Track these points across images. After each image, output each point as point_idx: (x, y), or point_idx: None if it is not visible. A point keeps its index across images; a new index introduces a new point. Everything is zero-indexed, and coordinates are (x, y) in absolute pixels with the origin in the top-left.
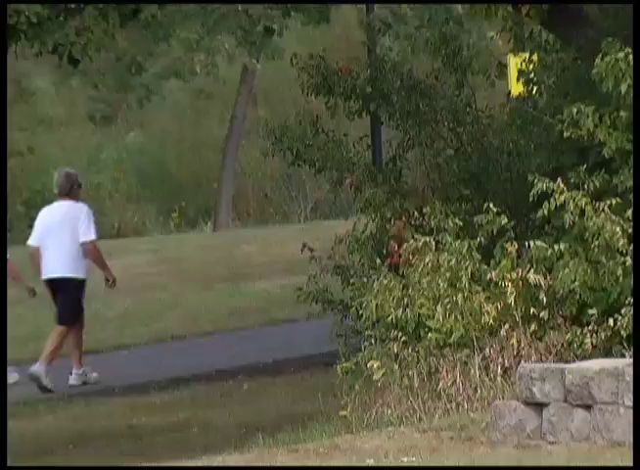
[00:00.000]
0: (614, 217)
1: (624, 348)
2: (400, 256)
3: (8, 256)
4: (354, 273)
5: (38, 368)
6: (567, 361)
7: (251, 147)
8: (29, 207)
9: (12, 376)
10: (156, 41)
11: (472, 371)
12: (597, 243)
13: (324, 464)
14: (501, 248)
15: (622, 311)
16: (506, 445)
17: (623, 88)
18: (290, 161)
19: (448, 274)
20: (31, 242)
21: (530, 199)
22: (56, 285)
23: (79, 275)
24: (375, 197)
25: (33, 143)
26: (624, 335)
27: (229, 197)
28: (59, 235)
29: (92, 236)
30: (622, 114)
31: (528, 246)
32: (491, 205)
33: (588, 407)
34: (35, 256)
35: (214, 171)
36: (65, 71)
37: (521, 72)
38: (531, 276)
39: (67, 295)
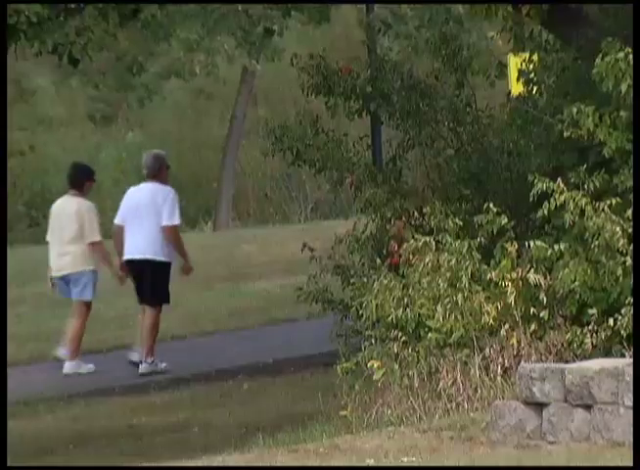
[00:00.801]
0: (614, 217)
1: (624, 348)
2: (400, 256)
3: (98, 238)
4: (354, 273)
5: (139, 359)
6: (567, 361)
7: (251, 147)
8: (29, 207)
9: (87, 367)
10: (156, 41)
11: (472, 371)
12: (597, 243)
13: (324, 464)
14: (501, 248)
15: (622, 311)
16: (506, 445)
17: (623, 88)
18: (290, 161)
19: (448, 274)
20: (116, 221)
21: (530, 199)
22: (137, 266)
23: (162, 258)
24: (375, 197)
25: (33, 143)
26: (624, 335)
27: (229, 197)
28: (142, 217)
29: (174, 221)
30: (622, 114)
31: (528, 246)
32: (491, 205)
33: (588, 407)
34: (118, 235)
35: (214, 171)
36: (65, 71)
37: (521, 72)
38: (531, 276)
39: (153, 277)
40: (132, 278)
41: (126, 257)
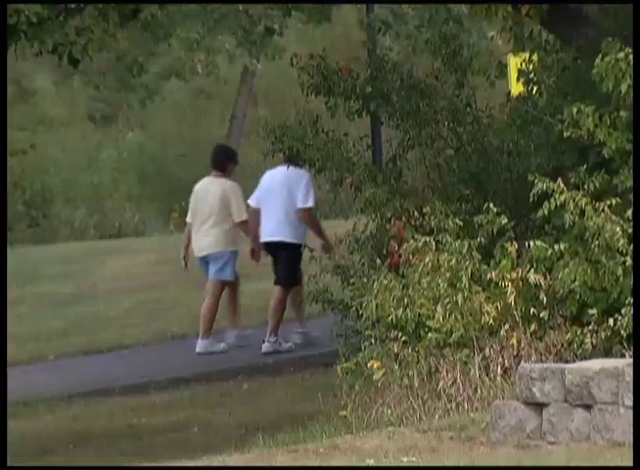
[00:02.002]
0: (614, 217)
1: (624, 348)
2: (400, 256)
3: (245, 217)
4: (354, 273)
5: (267, 342)
6: (567, 361)
7: (251, 147)
8: (29, 206)
9: (220, 346)
10: (156, 41)
11: (472, 371)
12: (597, 243)
13: (324, 464)
14: (501, 248)
15: (622, 311)
16: (506, 445)
17: (623, 88)
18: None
19: (448, 274)
20: (251, 202)
21: (530, 199)
22: (273, 248)
23: (295, 240)
24: (375, 197)
25: (34, 143)
26: (624, 335)
27: None
28: (277, 199)
29: (308, 203)
30: (622, 114)
31: (528, 246)
32: (491, 205)
33: (588, 407)
34: (253, 216)
35: None
36: (65, 71)
37: (521, 72)
38: (531, 276)
39: (284, 259)
40: (273, 259)
41: (264, 239)
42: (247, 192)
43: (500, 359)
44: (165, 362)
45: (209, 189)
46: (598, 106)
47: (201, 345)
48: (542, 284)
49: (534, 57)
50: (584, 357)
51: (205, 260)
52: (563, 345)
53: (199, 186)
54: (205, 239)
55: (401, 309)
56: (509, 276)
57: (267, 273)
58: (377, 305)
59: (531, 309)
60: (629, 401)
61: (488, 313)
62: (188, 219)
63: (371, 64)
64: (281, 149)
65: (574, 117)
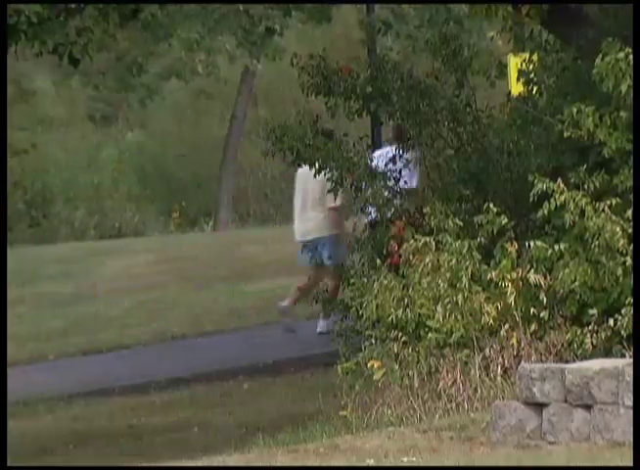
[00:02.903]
0: (614, 217)
1: (624, 348)
2: (400, 256)
3: (333, 203)
4: (354, 273)
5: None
6: (567, 361)
7: (251, 147)
8: (30, 206)
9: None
10: (156, 41)
11: (472, 371)
12: (597, 243)
13: (324, 464)
14: (501, 248)
15: (622, 311)
16: (506, 445)
17: (623, 88)
18: (290, 161)
19: (448, 274)
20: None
21: (530, 199)
22: None
23: None
24: (375, 197)
25: (34, 143)
26: (624, 335)
27: (229, 197)
28: None
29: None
30: (622, 114)
31: (528, 246)
32: (491, 205)
33: (588, 407)
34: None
35: (214, 171)
36: (65, 71)
37: (521, 72)
38: (531, 276)
39: None
40: None
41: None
42: (246, 192)
43: (500, 359)
44: (165, 362)
45: (310, 174)
46: (598, 106)
47: (321, 325)
48: (542, 284)
49: (534, 57)
50: (584, 357)
51: (312, 245)
52: (563, 345)
53: (301, 171)
54: (306, 224)
55: (401, 309)
56: (509, 276)
57: (266, 273)
58: (377, 306)
59: (531, 309)
60: (629, 401)
61: (488, 313)
62: (294, 203)
63: (371, 64)
64: (281, 149)
65: (574, 118)
